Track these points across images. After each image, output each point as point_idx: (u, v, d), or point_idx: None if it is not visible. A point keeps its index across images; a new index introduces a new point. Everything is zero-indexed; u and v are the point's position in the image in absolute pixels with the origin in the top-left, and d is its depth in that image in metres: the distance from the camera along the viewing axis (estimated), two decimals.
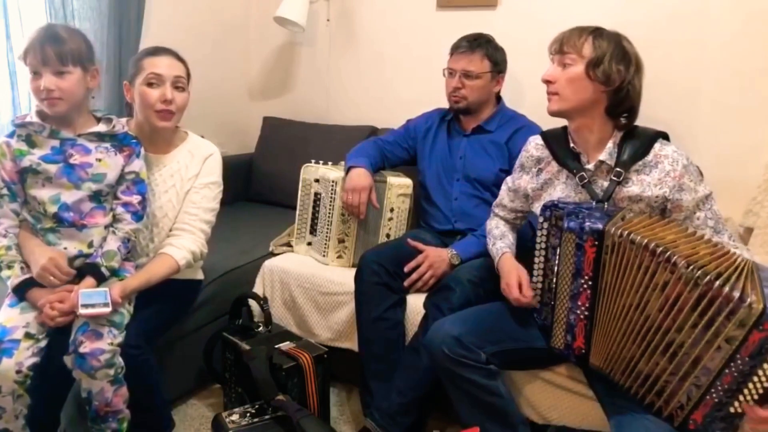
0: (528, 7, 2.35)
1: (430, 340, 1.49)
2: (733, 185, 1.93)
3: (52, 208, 1.52)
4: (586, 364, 1.38)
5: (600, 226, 1.29)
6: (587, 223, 1.31)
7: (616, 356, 1.30)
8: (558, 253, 1.38)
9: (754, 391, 1.13)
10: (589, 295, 1.33)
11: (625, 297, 1.27)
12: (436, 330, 1.50)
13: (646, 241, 1.22)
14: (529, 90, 2.33)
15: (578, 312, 1.35)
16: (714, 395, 1.17)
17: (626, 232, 1.25)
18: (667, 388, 1.23)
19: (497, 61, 2.01)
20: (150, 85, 1.63)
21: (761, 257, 1.79)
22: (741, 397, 1.14)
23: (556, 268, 1.39)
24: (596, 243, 1.30)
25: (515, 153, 1.93)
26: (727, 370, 1.15)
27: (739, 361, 1.13)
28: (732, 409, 1.16)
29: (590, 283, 1.32)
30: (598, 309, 1.32)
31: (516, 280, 1.52)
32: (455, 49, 2.02)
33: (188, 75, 1.71)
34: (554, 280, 1.40)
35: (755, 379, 1.13)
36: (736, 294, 1.11)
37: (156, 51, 1.67)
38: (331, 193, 2.06)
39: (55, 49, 1.44)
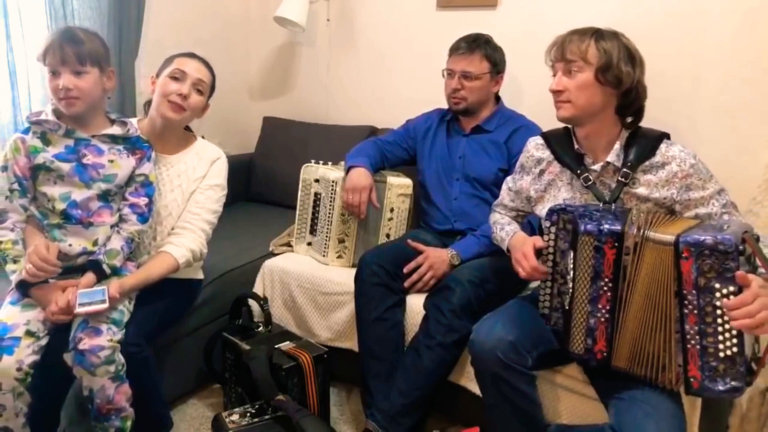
0: (528, 7, 2.35)
1: (481, 343, 1.42)
2: (733, 185, 1.92)
3: (61, 205, 1.53)
4: (608, 368, 1.35)
5: (618, 227, 1.30)
6: (605, 226, 1.31)
7: (639, 352, 1.30)
8: (572, 256, 1.37)
9: (728, 326, 1.18)
10: (609, 297, 1.32)
11: (645, 292, 1.28)
12: (488, 333, 1.42)
13: (659, 235, 1.26)
14: (528, 90, 2.33)
15: (599, 315, 1.33)
16: (693, 342, 1.21)
17: (644, 230, 1.28)
18: (665, 358, 1.26)
19: (496, 62, 2.00)
20: (173, 78, 1.69)
21: None
22: (721, 338, 1.18)
23: (572, 273, 1.37)
24: (616, 245, 1.30)
25: (514, 152, 1.94)
26: (686, 311, 1.21)
27: (689, 296, 1.20)
28: (722, 354, 1.19)
29: (610, 285, 1.32)
30: (620, 310, 1.32)
31: (532, 247, 1.47)
32: (454, 50, 2.02)
33: (212, 86, 1.78)
34: (568, 285, 1.38)
35: (719, 312, 1.18)
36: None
37: (190, 54, 1.76)
38: (331, 193, 2.06)
39: (74, 50, 1.47)
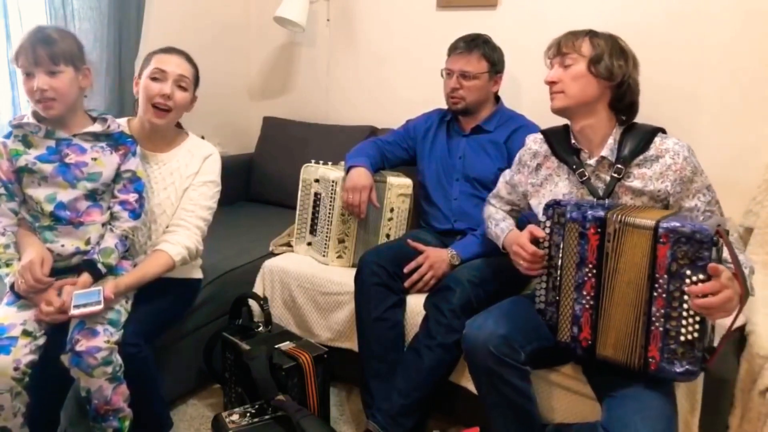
0: (528, 8, 2.35)
1: (473, 338, 1.44)
2: (733, 185, 1.93)
3: (49, 207, 1.53)
4: (593, 356, 1.37)
5: (602, 213, 1.34)
6: (589, 212, 1.35)
7: (620, 340, 1.32)
8: (561, 247, 1.40)
9: (692, 312, 1.23)
10: (594, 283, 1.35)
11: (626, 278, 1.31)
12: (480, 328, 1.44)
13: (639, 220, 1.29)
14: (527, 90, 2.33)
15: (583, 302, 1.36)
16: (657, 324, 1.27)
17: (624, 216, 1.31)
18: (634, 340, 1.31)
19: (495, 61, 2.01)
20: (154, 79, 1.66)
21: (761, 257, 1.79)
22: (684, 322, 1.24)
23: (560, 262, 1.40)
24: (599, 230, 1.34)
25: (514, 152, 1.92)
26: (655, 294, 1.26)
27: (661, 281, 1.25)
28: (683, 338, 1.24)
29: (594, 271, 1.35)
30: (603, 296, 1.34)
31: (527, 237, 1.47)
32: (453, 50, 2.02)
33: (196, 78, 1.75)
34: (558, 275, 1.41)
35: (685, 298, 1.23)
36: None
37: (168, 50, 1.71)
38: (331, 193, 2.06)
39: (46, 50, 1.46)
